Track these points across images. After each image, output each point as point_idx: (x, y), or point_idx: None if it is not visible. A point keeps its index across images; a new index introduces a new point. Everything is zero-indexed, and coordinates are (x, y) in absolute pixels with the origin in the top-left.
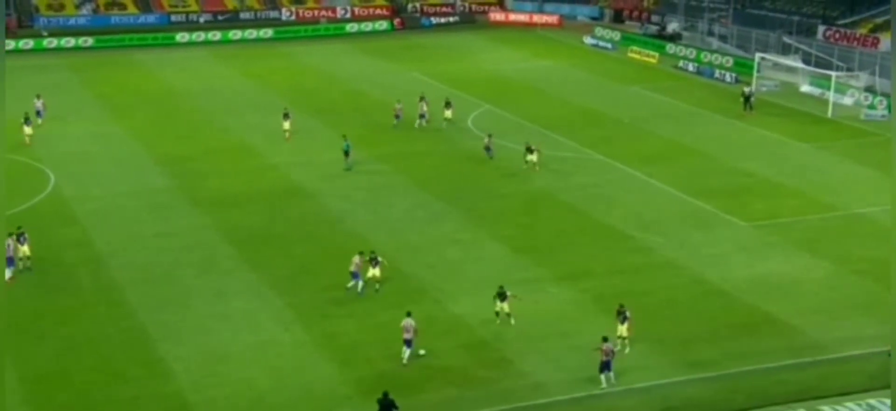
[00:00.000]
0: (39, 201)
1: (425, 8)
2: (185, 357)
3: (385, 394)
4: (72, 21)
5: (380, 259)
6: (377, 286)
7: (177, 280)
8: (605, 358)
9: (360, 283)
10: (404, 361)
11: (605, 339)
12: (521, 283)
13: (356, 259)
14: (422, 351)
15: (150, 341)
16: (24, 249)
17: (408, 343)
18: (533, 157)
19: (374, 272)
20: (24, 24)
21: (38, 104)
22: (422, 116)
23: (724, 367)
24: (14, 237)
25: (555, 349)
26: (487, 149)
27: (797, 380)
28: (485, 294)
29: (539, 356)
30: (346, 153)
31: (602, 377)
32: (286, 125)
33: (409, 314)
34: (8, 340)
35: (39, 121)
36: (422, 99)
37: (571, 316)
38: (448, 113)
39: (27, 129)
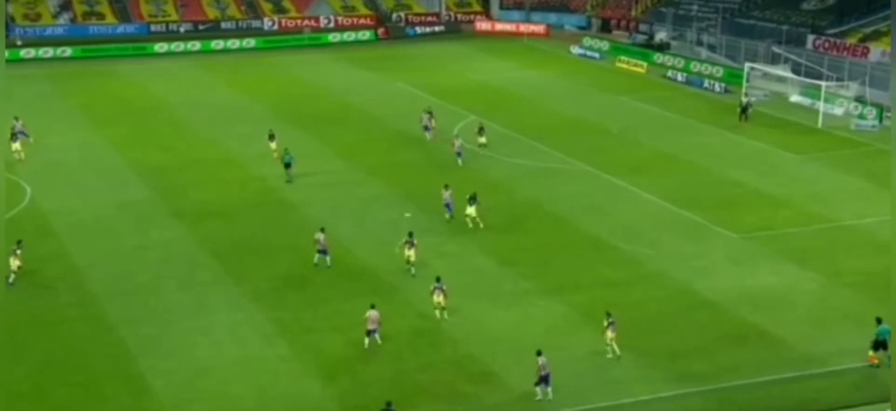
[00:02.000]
0: (16, 214)
1: (410, 17)
2: (166, 372)
3: (388, 404)
4: (49, 31)
5: (415, 241)
6: (412, 270)
7: (157, 293)
8: (543, 373)
9: (322, 259)
10: (366, 346)
11: (538, 353)
12: (509, 296)
13: (321, 237)
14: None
15: (129, 356)
16: (16, 262)
17: (371, 332)
18: (472, 211)
19: (409, 253)
20: None
21: (18, 125)
22: (426, 129)
23: (715, 381)
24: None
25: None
26: (458, 153)
27: (789, 394)
28: (472, 307)
29: (526, 370)
30: (288, 165)
31: (537, 390)
32: (273, 145)
33: (373, 306)
34: None
35: (25, 140)
36: (430, 114)
37: (559, 329)
38: (482, 138)
39: (15, 145)
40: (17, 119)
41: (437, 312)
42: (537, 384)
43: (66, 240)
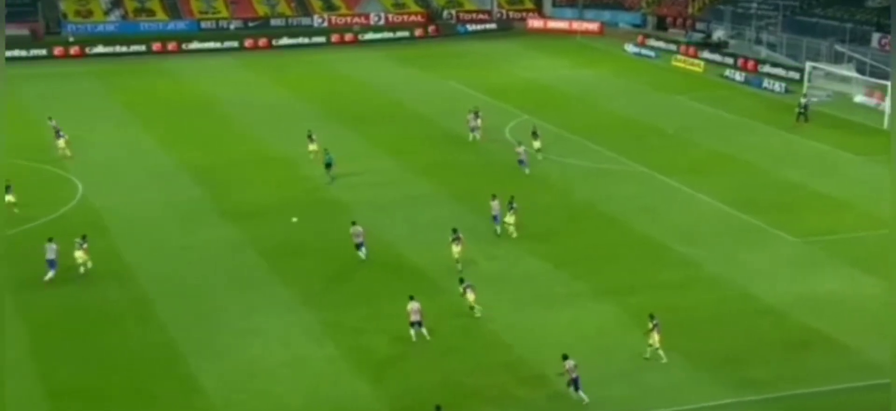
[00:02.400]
0: (68, 211)
1: (461, 15)
2: (216, 373)
3: (437, 408)
4: (100, 27)
5: (461, 236)
6: (459, 265)
7: (206, 293)
8: (573, 376)
9: (361, 252)
10: (426, 337)
11: (565, 357)
12: (561, 298)
13: (359, 228)
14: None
15: (179, 356)
16: (80, 254)
17: (417, 324)
18: (510, 218)
19: (456, 250)
20: (51, 30)
21: (53, 123)
22: (472, 129)
23: (775, 388)
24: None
25: (595, 366)
26: (521, 161)
27: (853, 403)
28: (523, 310)
29: (580, 373)
30: (329, 165)
31: (580, 394)
32: (312, 147)
33: (412, 298)
34: (36, 353)
35: (59, 139)
36: (476, 113)
37: (612, 333)
38: (537, 143)
39: (61, 142)
40: (50, 119)
41: (472, 310)
42: (575, 390)
43: (116, 238)
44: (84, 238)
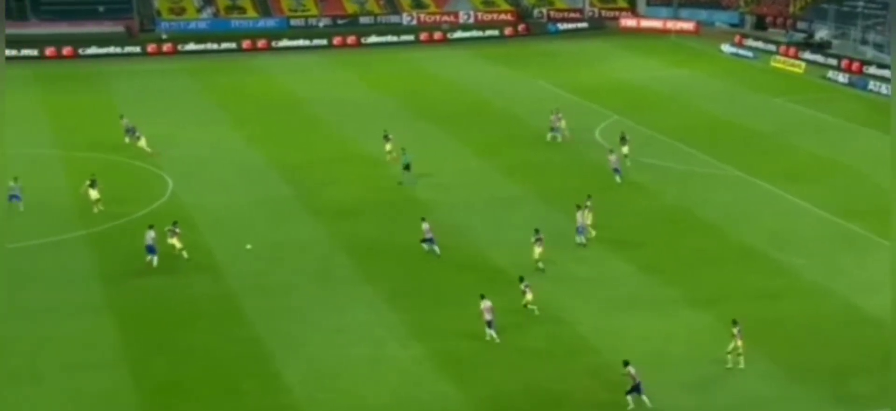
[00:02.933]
0: (158, 206)
1: (552, 13)
2: (301, 370)
3: None
4: (192, 25)
5: (542, 236)
6: (541, 264)
7: (293, 291)
8: (636, 382)
9: (435, 247)
10: (496, 339)
11: (626, 363)
12: (650, 304)
13: (427, 225)
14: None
15: (265, 353)
16: (175, 241)
17: (490, 323)
18: (588, 219)
19: (538, 251)
20: (145, 27)
21: (126, 122)
22: (553, 129)
23: (881, 404)
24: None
25: (685, 375)
26: (615, 170)
27: None
28: (612, 315)
29: (668, 382)
30: (407, 167)
31: (629, 399)
32: (387, 147)
33: (483, 296)
34: (126, 346)
35: (135, 137)
36: (558, 114)
37: (704, 343)
38: (625, 149)
39: (142, 142)
40: (122, 117)
41: (531, 308)
42: (628, 393)
43: (206, 234)
44: (175, 224)
